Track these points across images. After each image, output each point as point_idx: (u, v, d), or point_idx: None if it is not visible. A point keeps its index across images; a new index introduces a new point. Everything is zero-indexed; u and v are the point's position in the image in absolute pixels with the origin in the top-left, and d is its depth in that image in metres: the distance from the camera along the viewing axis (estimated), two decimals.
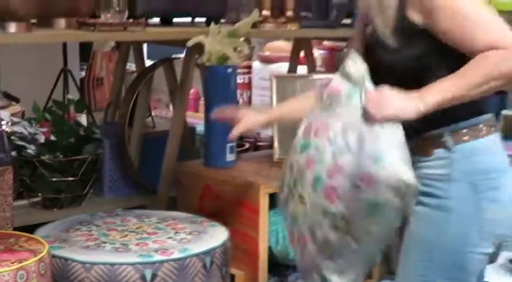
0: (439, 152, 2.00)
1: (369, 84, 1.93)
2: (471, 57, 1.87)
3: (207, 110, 2.96)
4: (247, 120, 2.29)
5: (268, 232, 2.80)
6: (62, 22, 2.74)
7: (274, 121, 2.40)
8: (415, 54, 1.97)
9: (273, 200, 2.78)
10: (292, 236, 2.10)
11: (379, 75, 2.05)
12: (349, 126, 1.91)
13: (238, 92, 4.32)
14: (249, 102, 4.86)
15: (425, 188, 1.98)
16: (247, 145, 3.48)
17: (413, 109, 1.84)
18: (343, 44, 4.04)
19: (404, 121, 1.95)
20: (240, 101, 4.50)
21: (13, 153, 2.90)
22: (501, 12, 2.18)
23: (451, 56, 1.94)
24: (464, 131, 1.98)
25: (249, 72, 4.81)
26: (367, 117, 1.88)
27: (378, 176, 1.84)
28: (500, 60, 1.85)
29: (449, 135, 1.98)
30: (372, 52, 2.08)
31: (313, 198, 1.94)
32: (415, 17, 1.96)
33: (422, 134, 2.00)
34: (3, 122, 3.01)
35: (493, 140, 2.01)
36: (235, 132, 2.28)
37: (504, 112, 4.70)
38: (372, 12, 2.05)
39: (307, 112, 2.21)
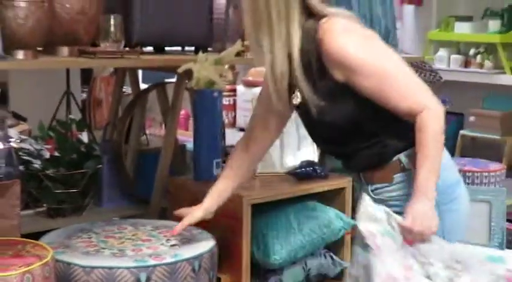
0: (398, 176, 2.01)
1: (395, 215, 1.93)
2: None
3: (196, 129, 2.98)
4: (188, 218, 2.41)
5: (251, 239, 2.80)
6: (65, 50, 2.73)
7: (210, 209, 2.42)
8: (348, 109, 1.97)
9: (255, 209, 2.81)
10: None
11: (327, 130, 2.06)
12: (420, 256, 1.91)
13: (224, 112, 4.33)
14: (234, 121, 4.87)
15: (393, 208, 2.00)
16: None
17: (432, 209, 1.90)
18: None
19: (362, 159, 2.04)
20: (226, 120, 4.50)
21: (21, 167, 2.88)
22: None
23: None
24: None
25: (234, 95, 4.81)
26: (415, 241, 1.91)
27: None
28: (433, 126, 1.90)
29: (406, 159, 1.98)
30: (306, 113, 2.06)
31: None
32: (337, 75, 1.94)
33: (383, 165, 2.02)
34: (12, 139, 3.00)
35: (444, 157, 2.01)
36: (177, 229, 2.41)
37: (462, 132, 4.75)
38: (268, 82, 2.05)
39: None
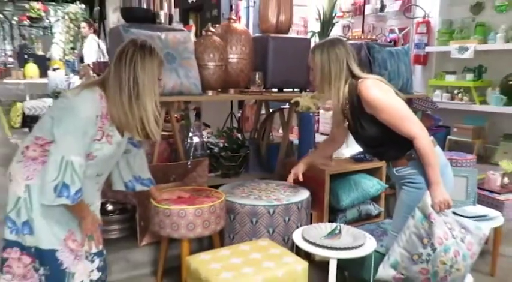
0: (411, 162, 1.93)
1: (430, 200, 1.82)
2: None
3: (300, 133, 2.96)
4: (294, 171, 2.34)
5: (329, 193, 2.75)
6: (232, 90, 2.80)
7: (310, 165, 2.35)
8: (378, 129, 1.90)
9: (331, 177, 2.76)
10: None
11: (365, 140, 1.99)
12: (448, 224, 1.83)
13: None
14: (318, 129, 4.77)
15: (407, 179, 1.94)
16: None
17: (443, 188, 1.83)
18: None
19: (391, 152, 1.93)
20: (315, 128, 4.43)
21: (208, 151, 2.99)
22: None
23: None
24: None
25: (318, 114, 4.74)
26: (442, 209, 1.82)
27: (488, 234, 1.87)
28: (423, 146, 1.83)
29: (414, 153, 1.89)
30: (352, 129, 2.02)
31: (465, 264, 1.83)
32: (368, 111, 1.88)
33: (403, 156, 1.94)
34: (204, 136, 3.11)
35: (437, 150, 1.92)
36: (289, 180, 2.34)
37: (449, 137, 4.50)
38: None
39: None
